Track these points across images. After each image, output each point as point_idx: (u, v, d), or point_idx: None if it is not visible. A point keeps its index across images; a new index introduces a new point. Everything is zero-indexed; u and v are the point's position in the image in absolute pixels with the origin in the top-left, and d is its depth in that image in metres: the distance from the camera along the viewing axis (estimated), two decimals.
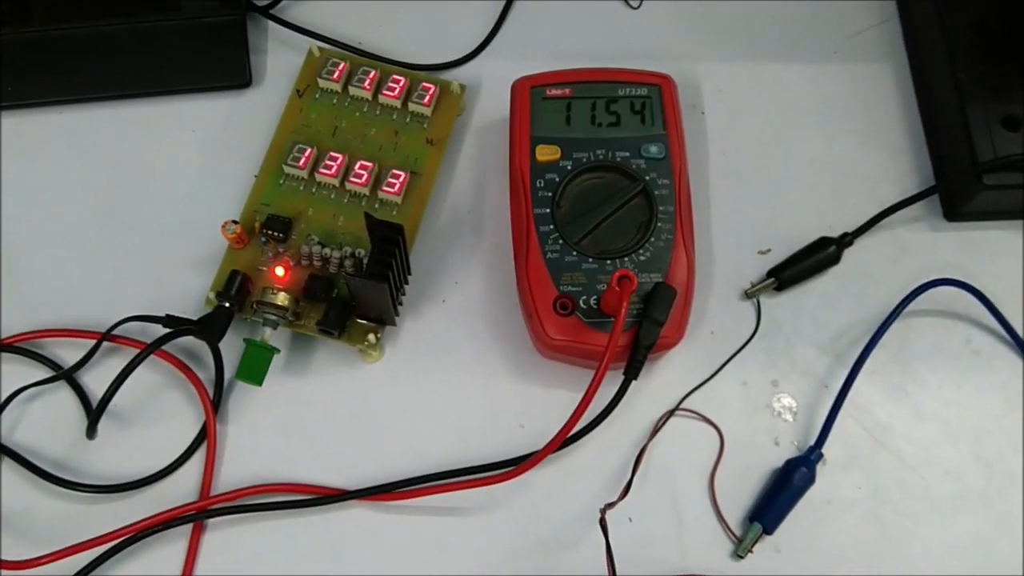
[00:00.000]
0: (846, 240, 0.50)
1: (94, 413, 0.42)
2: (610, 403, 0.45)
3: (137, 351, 0.42)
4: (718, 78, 0.54)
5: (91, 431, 0.43)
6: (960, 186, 0.50)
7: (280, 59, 0.54)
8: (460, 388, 0.48)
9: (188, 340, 0.47)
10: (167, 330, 0.45)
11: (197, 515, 0.44)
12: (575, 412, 0.42)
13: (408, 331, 0.49)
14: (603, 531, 0.41)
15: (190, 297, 0.48)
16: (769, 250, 0.51)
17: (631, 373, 0.44)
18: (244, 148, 0.51)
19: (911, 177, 0.52)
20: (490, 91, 0.54)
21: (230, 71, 0.52)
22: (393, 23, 0.55)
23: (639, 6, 0.56)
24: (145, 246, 0.50)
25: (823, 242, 0.50)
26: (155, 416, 0.46)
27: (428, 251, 0.50)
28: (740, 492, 0.46)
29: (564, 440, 0.43)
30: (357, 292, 0.44)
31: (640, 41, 0.56)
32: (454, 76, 0.53)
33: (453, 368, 0.48)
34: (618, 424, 0.46)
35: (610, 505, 0.42)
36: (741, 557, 0.44)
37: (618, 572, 0.43)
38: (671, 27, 0.56)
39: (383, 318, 0.46)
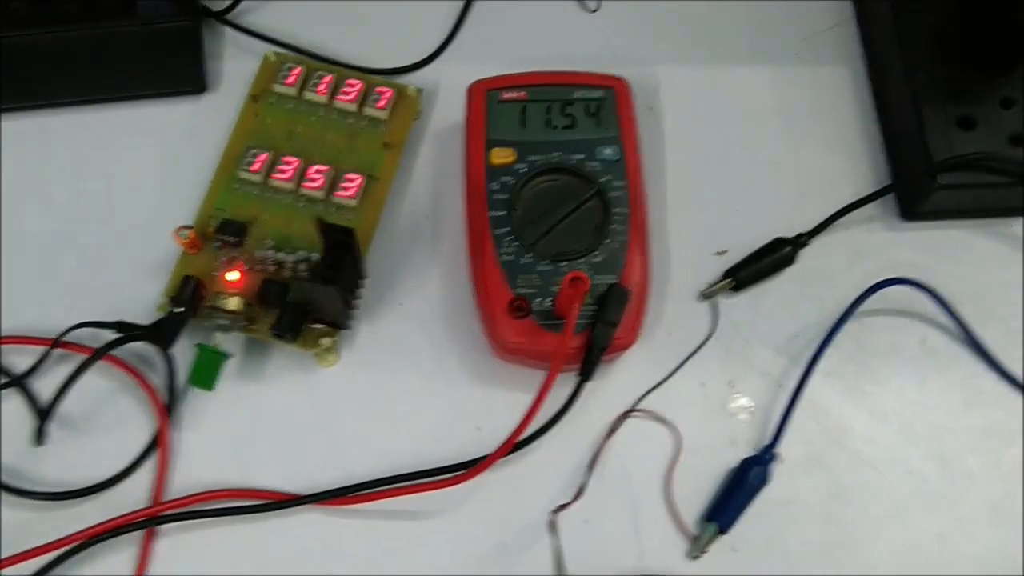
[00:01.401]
0: (801, 241, 0.50)
1: (41, 418, 0.41)
2: (564, 405, 0.45)
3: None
4: (676, 80, 0.55)
5: (39, 437, 0.42)
6: (915, 186, 0.51)
7: (236, 64, 0.53)
8: (417, 391, 0.47)
9: (142, 346, 0.47)
10: (131, 341, 0.44)
11: (148, 521, 0.43)
12: (526, 415, 0.42)
13: (365, 335, 0.48)
14: (552, 534, 0.40)
15: (145, 303, 0.47)
16: (726, 251, 0.51)
17: (585, 375, 0.44)
18: (200, 154, 0.51)
19: (868, 178, 0.53)
20: (448, 95, 0.54)
21: (185, 77, 0.52)
22: (351, 28, 0.55)
23: (597, 9, 0.57)
24: (100, 252, 0.49)
25: (778, 243, 0.50)
26: (108, 422, 0.46)
27: (386, 255, 0.50)
28: (697, 492, 0.46)
29: (517, 443, 0.43)
30: (308, 296, 0.44)
31: (599, 44, 0.56)
32: (412, 80, 0.53)
33: (410, 371, 0.48)
34: (575, 426, 0.46)
35: (562, 507, 0.42)
36: (696, 557, 0.44)
37: (574, 573, 0.43)
38: (629, 30, 0.56)
39: (337, 322, 0.46)
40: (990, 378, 0.49)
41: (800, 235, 0.50)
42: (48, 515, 0.44)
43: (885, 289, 0.49)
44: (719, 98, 0.54)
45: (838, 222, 0.51)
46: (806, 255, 0.50)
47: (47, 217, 0.50)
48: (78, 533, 0.42)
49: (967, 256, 0.51)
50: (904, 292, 0.49)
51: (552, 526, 0.41)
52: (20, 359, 0.47)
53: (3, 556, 0.42)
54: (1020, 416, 0.48)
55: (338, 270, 0.42)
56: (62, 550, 0.42)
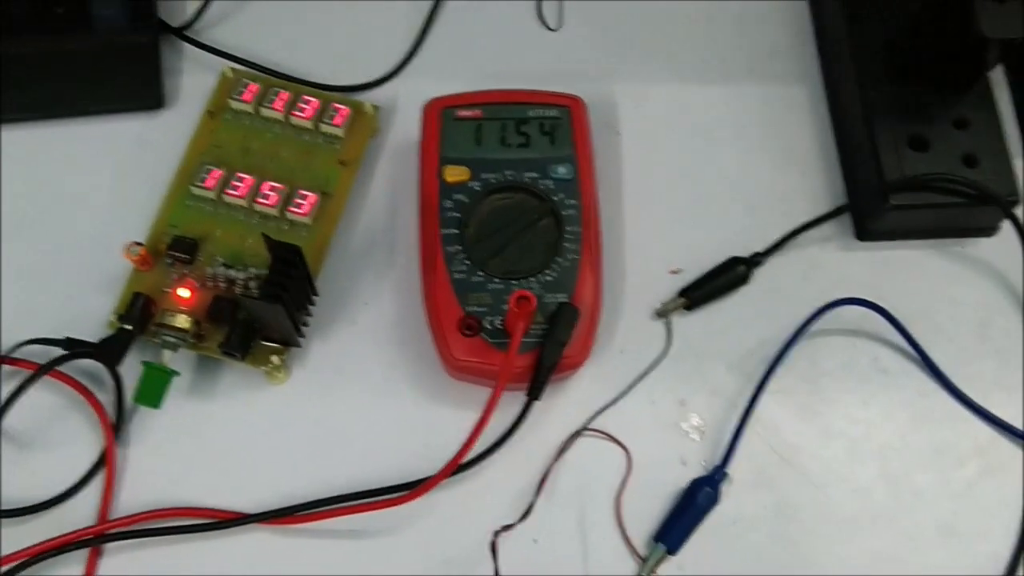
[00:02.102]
0: (756, 260, 0.50)
1: None
2: (512, 424, 0.45)
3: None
4: (634, 99, 0.55)
5: None
6: (869, 206, 0.51)
7: (194, 80, 0.53)
8: (368, 409, 0.47)
9: (90, 364, 0.46)
10: (77, 359, 0.44)
11: (94, 539, 0.43)
12: (470, 435, 0.42)
13: (316, 353, 0.48)
14: (493, 555, 0.40)
15: (96, 319, 0.47)
16: (681, 270, 0.51)
17: (534, 394, 0.44)
18: (155, 170, 0.51)
19: (825, 198, 0.53)
20: (407, 113, 0.54)
21: (142, 93, 0.52)
22: (312, 45, 0.55)
23: (558, 28, 0.57)
24: (51, 268, 0.49)
25: (733, 262, 0.50)
26: (55, 440, 0.46)
27: (339, 272, 0.50)
28: (646, 512, 0.46)
29: (462, 463, 0.43)
30: (255, 313, 0.44)
31: (558, 62, 0.56)
32: (371, 97, 0.53)
33: (361, 389, 0.48)
34: (525, 445, 0.46)
35: (506, 528, 0.42)
36: None
37: None
38: (589, 48, 0.56)
39: (286, 339, 0.46)
40: (941, 397, 0.49)
41: (755, 254, 0.50)
42: None
43: (839, 308, 0.49)
44: (677, 117, 0.54)
45: (793, 241, 0.51)
46: (761, 274, 0.51)
47: None
48: (23, 551, 0.42)
49: (920, 276, 0.51)
50: (857, 312, 0.49)
51: (493, 548, 0.40)
52: None
53: None
54: (971, 435, 0.48)
55: (284, 288, 0.41)
56: (6, 568, 0.42)
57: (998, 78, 0.53)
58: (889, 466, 0.47)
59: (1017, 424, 0.48)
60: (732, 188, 0.53)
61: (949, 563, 0.45)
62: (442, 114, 0.49)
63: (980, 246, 0.52)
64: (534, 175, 0.48)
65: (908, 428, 0.48)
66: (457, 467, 0.43)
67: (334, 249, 0.50)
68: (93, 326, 0.47)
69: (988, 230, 0.51)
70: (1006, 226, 0.51)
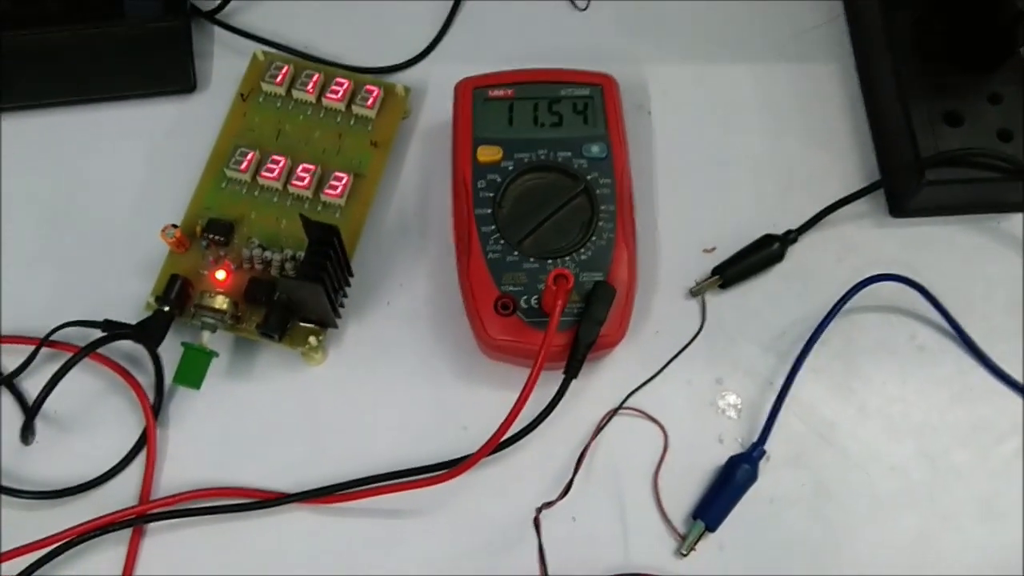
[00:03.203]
0: (790, 237, 0.50)
1: (27, 416, 0.42)
2: (550, 402, 0.44)
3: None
4: (665, 79, 0.55)
5: (25, 435, 0.42)
6: (903, 182, 0.51)
7: (225, 64, 0.54)
8: (404, 390, 0.47)
9: (130, 346, 0.47)
10: (116, 340, 0.45)
11: (136, 519, 0.44)
12: (510, 413, 0.42)
13: (352, 334, 0.48)
14: (536, 531, 0.40)
15: (132, 303, 0.48)
16: (714, 248, 0.51)
17: (571, 372, 0.44)
18: (189, 153, 0.51)
19: (857, 175, 0.53)
20: (437, 94, 0.54)
21: (175, 76, 0.52)
22: (341, 27, 0.55)
23: (586, 8, 0.56)
24: (88, 252, 0.50)
25: (767, 239, 0.50)
26: (96, 422, 0.46)
27: (373, 254, 0.50)
28: (684, 490, 0.46)
29: (502, 441, 0.43)
30: (293, 294, 0.44)
31: (588, 42, 0.56)
32: (401, 79, 0.53)
33: (397, 370, 0.48)
34: (562, 424, 0.46)
35: (548, 504, 0.42)
36: (684, 555, 0.44)
37: (562, 571, 0.43)
38: (619, 28, 0.56)
39: (324, 320, 0.46)
40: (979, 374, 0.48)
41: (789, 232, 0.50)
42: (36, 514, 0.44)
43: (874, 285, 0.48)
44: (708, 96, 0.54)
45: (827, 219, 0.51)
46: (795, 252, 0.50)
47: (36, 217, 0.50)
48: (65, 531, 0.43)
49: (955, 252, 0.51)
50: (893, 289, 0.49)
51: (537, 524, 0.40)
52: (8, 359, 0.47)
53: None
54: (1009, 412, 0.48)
55: (322, 268, 0.42)
56: (49, 548, 0.42)
57: None
58: (927, 444, 0.47)
59: None
60: (764, 167, 0.53)
61: (988, 541, 0.45)
62: (474, 94, 0.49)
63: (1015, 221, 0.51)
64: (567, 154, 0.48)
65: (946, 405, 0.48)
66: (496, 446, 0.43)
67: (367, 231, 0.50)
68: (131, 309, 0.47)
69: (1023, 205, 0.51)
70: None
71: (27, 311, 0.48)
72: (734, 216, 0.51)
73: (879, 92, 0.53)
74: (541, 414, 0.44)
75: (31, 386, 0.46)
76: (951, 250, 0.51)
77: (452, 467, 0.43)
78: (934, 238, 0.51)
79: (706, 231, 0.51)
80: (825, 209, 0.51)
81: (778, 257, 0.50)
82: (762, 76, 0.55)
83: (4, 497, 0.44)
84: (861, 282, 0.48)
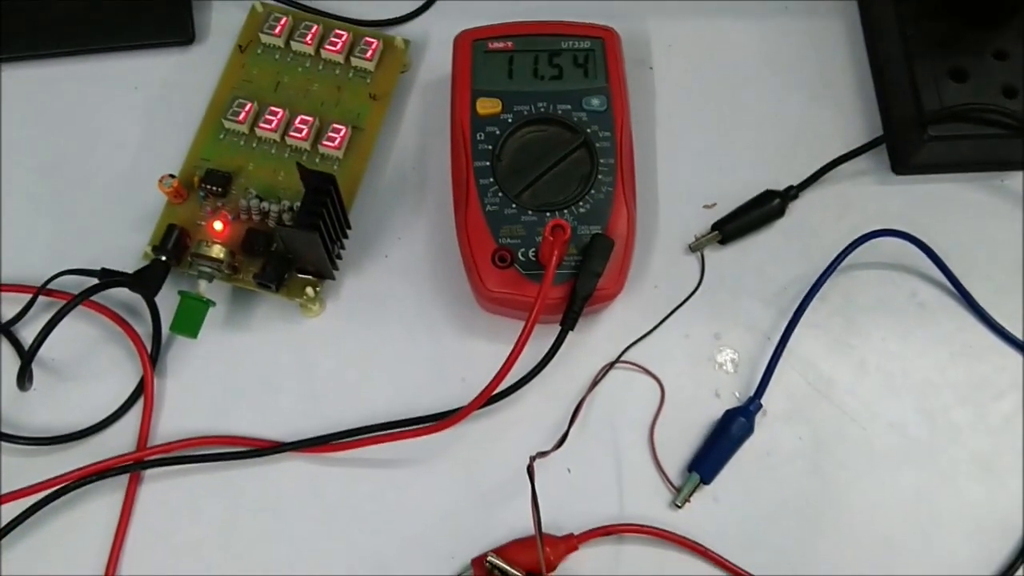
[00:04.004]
0: (791, 193, 0.50)
1: (23, 361, 0.42)
2: (547, 354, 0.44)
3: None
4: (668, 34, 0.54)
5: (22, 380, 0.42)
6: (906, 138, 0.50)
7: (224, 15, 0.53)
8: (402, 343, 0.47)
9: (128, 296, 0.47)
10: (112, 287, 0.45)
11: (133, 466, 0.44)
12: (504, 364, 0.42)
13: (350, 286, 0.48)
14: (530, 478, 0.40)
15: (130, 253, 0.47)
16: (715, 204, 0.50)
17: (567, 324, 0.44)
18: (187, 105, 0.51)
19: (860, 132, 0.52)
20: (437, 48, 0.53)
21: (173, 28, 0.52)
22: None
23: None
24: (87, 203, 0.50)
25: (768, 195, 0.49)
26: (94, 371, 0.46)
27: (371, 207, 0.50)
28: (680, 443, 0.46)
29: (498, 393, 0.43)
30: (289, 243, 0.44)
31: None
32: (401, 32, 0.53)
33: (395, 323, 0.48)
34: (559, 376, 0.46)
35: (542, 454, 0.42)
36: (679, 507, 0.44)
37: (556, 522, 0.44)
38: None
39: (321, 271, 0.46)
40: (980, 332, 0.48)
41: (790, 188, 0.50)
42: (35, 460, 0.44)
43: (875, 242, 0.48)
44: (711, 51, 0.54)
45: (829, 175, 0.50)
46: (796, 208, 0.50)
47: (35, 168, 0.50)
48: (63, 475, 0.43)
49: (958, 210, 0.50)
50: (894, 246, 0.48)
51: (530, 471, 0.40)
52: (6, 307, 0.47)
53: None
54: (1010, 370, 0.47)
55: (318, 216, 0.41)
56: (47, 491, 0.43)
57: None
58: (926, 400, 0.47)
59: None
60: (767, 122, 0.52)
61: (986, 498, 0.45)
62: (473, 46, 0.49)
63: (1019, 179, 0.51)
64: (567, 107, 0.48)
65: (946, 363, 0.47)
66: (490, 397, 0.43)
67: (366, 184, 0.50)
68: (130, 260, 0.47)
69: None
70: None
71: (26, 260, 0.48)
72: (735, 172, 0.51)
73: (884, 47, 0.52)
74: (537, 366, 0.44)
75: (29, 334, 0.46)
76: (954, 207, 0.50)
77: (446, 418, 0.43)
78: (937, 195, 0.51)
79: (707, 187, 0.51)
80: (827, 165, 0.50)
81: (778, 213, 0.49)
82: (766, 31, 0.54)
83: (3, 443, 0.44)
84: (860, 237, 0.48)
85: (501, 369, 0.42)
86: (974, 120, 0.48)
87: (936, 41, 0.50)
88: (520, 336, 0.42)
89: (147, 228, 0.48)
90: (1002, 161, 0.51)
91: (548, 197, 0.46)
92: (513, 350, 0.42)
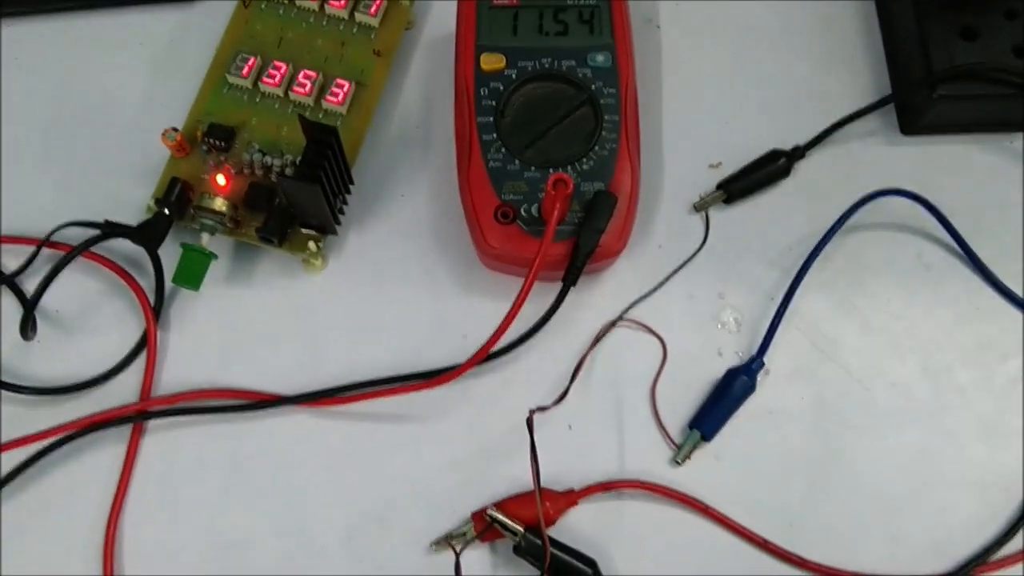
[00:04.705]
0: (798, 153, 0.49)
1: (26, 310, 0.42)
2: (548, 310, 0.44)
3: (80, 258, 0.43)
4: None
5: (25, 329, 0.43)
6: (915, 98, 0.49)
7: None
8: (404, 299, 0.47)
9: (131, 249, 0.47)
10: (113, 238, 0.45)
11: (136, 416, 0.44)
12: (505, 319, 0.42)
13: (353, 243, 0.48)
14: (529, 431, 0.40)
15: (134, 207, 0.48)
16: (720, 163, 0.50)
17: (569, 279, 0.44)
18: (191, 60, 0.50)
19: (869, 91, 0.51)
20: (443, 5, 0.53)
21: None
22: None
23: None
24: (91, 157, 0.49)
25: (774, 155, 0.49)
26: (98, 323, 0.46)
27: (375, 164, 0.50)
28: (682, 402, 0.46)
29: (500, 348, 0.43)
30: (291, 195, 0.44)
31: None
32: None
33: (398, 279, 0.48)
34: (562, 333, 0.46)
35: (541, 408, 0.42)
36: (679, 464, 0.44)
37: (556, 477, 0.44)
38: None
39: (323, 226, 0.46)
40: (987, 293, 0.48)
41: (796, 147, 0.49)
42: (39, 410, 0.44)
43: (881, 202, 0.48)
44: (718, 8, 0.53)
45: (836, 135, 0.50)
46: (802, 168, 0.50)
47: (39, 121, 0.50)
48: (66, 424, 0.43)
49: (966, 171, 0.50)
50: (901, 206, 0.48)
51: (529, 424, 0.40)
52: (10, 260, 0.47)
53: None
54: (1016, 332, 0.47)
55: (319, 168, 0.41)
56: (51, 439, 0.43)
57: None
58: (931, 361, 0.47)
59: None
60: (774, 81, 0.52)
61: (988, 460, 0.45)
62: (478, 2, 0.48)
63: None
64: (571, 63, 0.47)
65: (951, 324, 0.47)
66: (491, 354, 0.43)
67: (369, 141, 0.49)
68: (134, 213, 0.47)
69: None
70: None
71: (30, 213, 0.48)
72: (741, 131, 0.50)
73: (894, 5, 0.52)
74: (539, 322, 0.44)
75: (32, 286, 0.46)
76: (962, 169, 0.50)
77: (444, 373, 0.43)
78: (945, 156, 0.50)
79: (712, 146, 0.50)
80: (834, 124, 0.50)
81: (784, 172, 0.49)
82: None
83: (7, 393, 0.45)
84: (865, 197, 0.47)
85: (500, 325, 0.42)
86: (983, 80, 0.48)
87: (946, 0, 0.49)
88: (520, 291, 0.42)
89: (151, 182, 0.48)
90: (1012, 122, 0.50)
91: (552, 154, 0.46)
92: (514, 304, 0.42)
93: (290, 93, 0.48)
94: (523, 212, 0.45)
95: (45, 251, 0.46)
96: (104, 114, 0.50)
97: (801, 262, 0.47)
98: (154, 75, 0.51)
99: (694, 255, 0.48)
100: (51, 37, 0.52)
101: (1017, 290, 0.47)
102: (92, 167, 0.49)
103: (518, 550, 0.41)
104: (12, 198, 0.49)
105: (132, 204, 0.48)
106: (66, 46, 0.52)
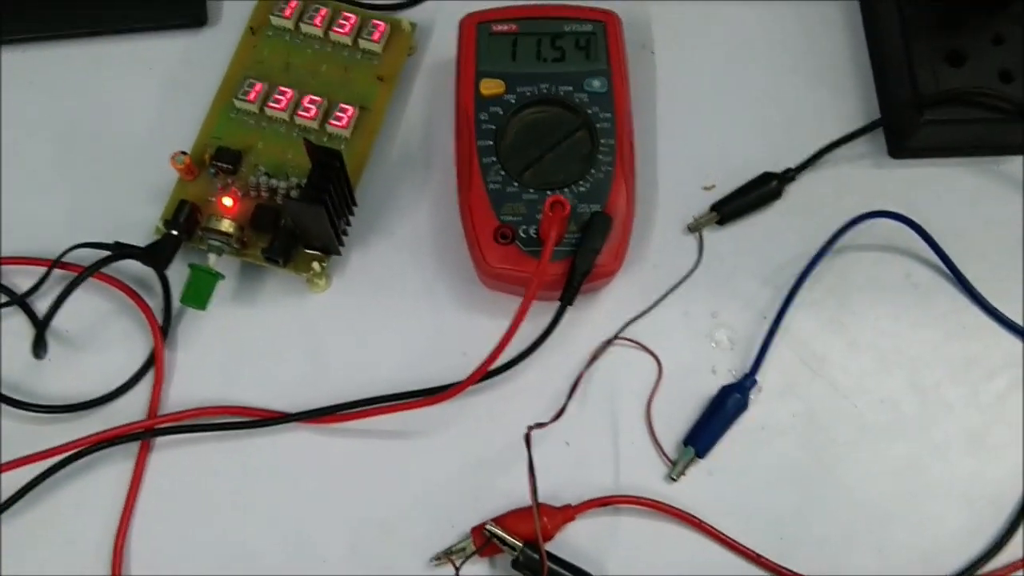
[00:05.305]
0: (789, 175, 0.50)
1: (37, 329, 0.43)
2: (546, 329, 0.46)
3: (90, 279, 0.44)
4: (668, 17, 0.55)
5: (37, 348, 0.44)
6: (903, 121, 0.51)
7: None
8: (406, 318, 0.49)
9: (140, 270, 0.48)
10: (123, 259, 0.46)
11: (143, 433, 0.45)
12: (503, 338, 0.43)
13: (356, 263, 0.50)
14: (527, 447, 0.41)
15: (144, 228, 0.49)
16: (714, 185, 0.51)
17: (566, 299, 0.45)
18: (200, 85, 0.52)
19: (859, 115, 0.53)
20: (443, 32, 0.54)
21: (187, 10, 0.53)
22: None
23: None
24: (102, 180, 0.51)
25: (765, 177, 0.50)
26: (107, 342, 0.48)
27: (378, 185, 0.51)
28: (677, 419, 0.47)
29: (499, 366, 0.44)
30: (296, 216, 0.45)
31: None
32: (408, 16, 0.54)
33: (400, 299, 0.49)
34: (560, 351, 0.47)
35: (539, 425, 0.43)
36: (674, 480, 0.45)
37: (554, 493, 0.45)
38: None
39: (327, 246, 0.47)
40: (973, 313, 0.49)
41: (788, 170, 0.51)
42: (48, 428, 0.46)
43: (872, 223, 0.49)
44: (711, 34, 0.55)
45: (826, 158, 0.51)
46: (793, 190, 0.51)
47: (50, 145, 0.52)
48: (75, 441, 0.44)
49: (954, 193, 0.51)
50: (890, 227, 0.49)
51: (527, 440, 0.42)
52: (22, 280, 0.48)
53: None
54: (1002, 350, 0.48)
55: (324, 190, 0.43)
56: (61, 456, 0.44)
57: None
58: (918, 378, 0.48)
59: None
60: (766, 105, 0.53)
61: (976, 473, 0.46)
62: (478, 28, 0.50)
63: (1014, 163, 0.52)
64: (569, 88, 0.49)
65: (938, 342, 0.48)
66: (489, 371, 0.45)
67: (372, 163, 0.51)
68: (143, 234, 0.48)
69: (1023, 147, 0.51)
70: None
71: (43, 234, 0.49)
72: (735, 154, 0.52)
73: (882, 30, 0.53)
74: (537, 340, 0.46)
75: (44, 307, 0.47)
76: (950, 191, 0.51)
77: (445, 391, 0.44)
78: (933, 179, 0.51)
79: (706, 168, 0.52)
80: (824, 148, 0.51)
81: (776, 195, 0.50)
82: (765, 14, 0.55)
83: (18, 411, 0.46)
84: (855, 219, 0.49)
85: (499, 343, 0.44)
86: (970, 104, 0.49)
87: (934, 25, 0.50)
88: (518, 311, 0.43)
89: (160, 202, 0.49)
90: (997, 145, 0.51)
91: (549, 176, 0.47)
92: (512, 323, 0.43)
93: (295, 117, 0.50)
94: (522, 233, 0.46)
95: (56, 271, 0.47)
96: (115, 137, 0.52)
97: (792, 282, 0.49)
98: (164, 99, 0.52)
99: (688, 275, 0.49)
100: (65, 62, 0.53)
101: (1003, 309, 0.49)
102: (103, 188, 0.51)
103: (516, 565, 0.42)
104: (26, 218, 0.50)
105: (142, 224, 0.49)
106: (79, 70, 0.53)
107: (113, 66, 0.53)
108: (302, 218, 0.45)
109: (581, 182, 0.47)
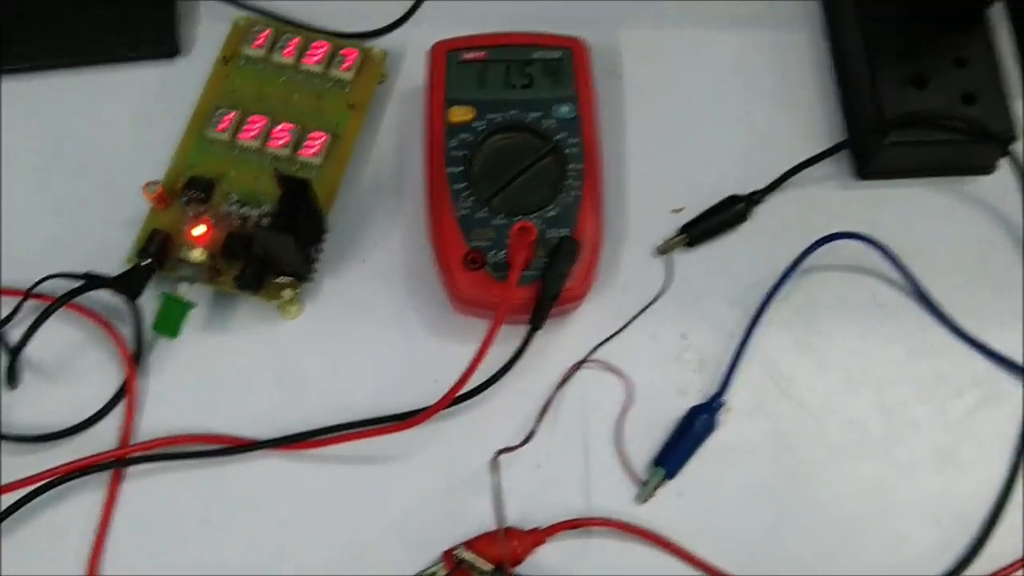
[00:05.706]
0: (755, 198, 0.51)
1: (9, 359, 0.43)
2: (515, 354, 0.46)
3: (63, 308, 0.44)
4: (636, 43, 0.56)
5: (9, 377, 0.44)
6: (868, 143, 0.52)
7: (208, 29, 0.55)
8: (378, 344, 0.49)
9: (112, 299, 0.48)
10: (95, 289, 0.46)
11: (115, 462, 0.45)
12: (472, 362, 0.44)
13: (328, 290, 0.50)
14: (493, 472, 0.42)
15: (118, 255, 0.49)
16: (683, 208, 0.52)
17: (535, 323, 0.46)
18: (172, 115, 0.52)
19: (824, 136, 0.54)
20: (414, 60, 0.55)
21: (159, 41, 0.54)
22: None
23: None
24: (76, 209, 0.51)
25: (732, 200, 0.51)
26: (79, 371, 0.48)
27: (349, 213, 0.51)
28: (646, 440, 0.47)
29: (469, 391, 0.45)
30: (266, 244, 0.45)
31: (565, 8, 0.57)
32: (378, 44, 0.55)
33: (371, 325, 0.49)
34: (530, 375, 0.48)
35: (508, 449, 0.43)
36: (644, 501, 0.46)
37: (524, 516, 0.45)
38: None
39: (299, 273, 0.48)
40: (938, 331, 0.50)
41: (753, 192, 0.51)
42: (20, 458, 0.46)
43: (837, 244, 0.50)
44: (678, 60, 0.55)
45: (792, 180, 0.52)
46: (761, 212, 0.52)
47: (24, 175, 0.52)
48: (46, 472, 0.44)
49: (919, 213, 0.52)
50: (856, 249, 0.50)
51: (494, 465, 0.42)
52: None
53: None
54: (968, 368, 0.49)
55: (294, 219, 0.43)
56: (32, 487, 0.44)
57: (999, 17, 0.54)
58: (885, 397, 0.48)
59: (1015, 357, 0.49)
60: (734, 128, 0.54)
61: (943, 491, 0.46)
62: (447, 56, 0.51)
63: (978, 183, 0.52)
64: (537, 115, 0.49)
65: (905, 360, 0.49)
66: (458, 396, 0.45)
67: (344, 190, 0.51)
68: (117, 264, 0.49)
69: (986, 168, 0.52)
70: (1004, 164, 0.51)
71: (15, 265, 0.50)
72: (703, 177, 0.52)
73: (847, 53, 0.54)
74: (506, 364, 0.46)
75: (17, 336, 0.48)
76: (915, 211, 0.52)
77: (413, 416, 0.45)
78: (898, 199, 0.52)
79: (675, 192, 0.52)
80: (790, 170, 0.52)
81: (742, 217, 0.51)
82: (731, 37, 0.56)
83: None
84: (819, 240, 0.49)
85: (468, 368, 0.44)
86: (933, 126, 0.50)
87: (898, 49, 0.51)
88: (486, 336, 0.44)
89: (135, 232, 0.49)
90: (961, 166, 0.52)
91: (519, 202, 0.48)
92: (480, 348, 0.44)
93: (267, 146, 0.50)
94: (491, 258, 0.47)
95: (30, 301, 0.47)
96: (89, 167, 0.52)
97: (760, 303, 0.49)
98: (137, 129, 0.53)
99: (658, 297, 0.50)
100: (38, 93, 0.54)
101: (968, 327, 0.49)
102: (78, 218, 0.51)
103: None
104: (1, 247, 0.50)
105: (116, 252, 0.49)
106: (52, 101, 0.54)
107: (86, 97, 0.54)
108: (272, 246, 0.45)
109: (550, 207, 0.47)
